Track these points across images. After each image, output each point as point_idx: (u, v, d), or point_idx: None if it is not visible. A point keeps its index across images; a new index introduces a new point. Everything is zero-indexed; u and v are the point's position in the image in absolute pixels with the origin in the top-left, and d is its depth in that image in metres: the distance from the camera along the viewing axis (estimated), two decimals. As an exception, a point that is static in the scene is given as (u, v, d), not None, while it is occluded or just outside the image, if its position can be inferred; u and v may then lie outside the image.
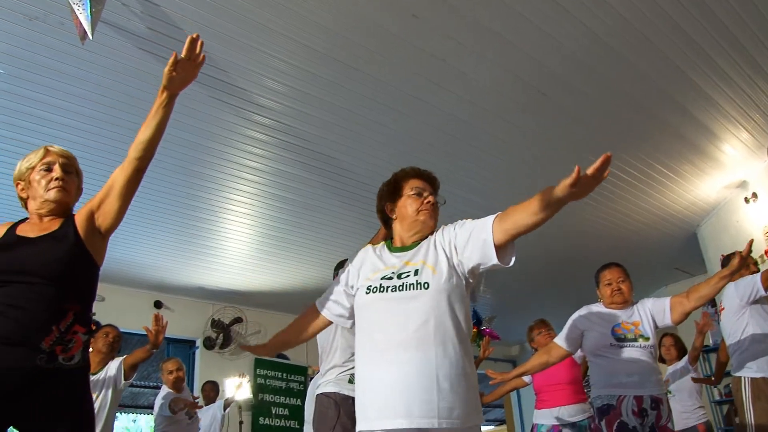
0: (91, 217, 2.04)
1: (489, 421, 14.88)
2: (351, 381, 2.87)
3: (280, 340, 2.44)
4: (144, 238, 5.78)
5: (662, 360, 5.21)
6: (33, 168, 2.10)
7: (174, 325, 7.29)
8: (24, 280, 1.86)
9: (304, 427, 5.78)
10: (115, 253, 5.95)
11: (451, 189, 4.99)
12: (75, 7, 2.68)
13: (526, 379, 4.47)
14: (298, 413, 7.64)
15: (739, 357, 3.74)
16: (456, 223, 2.09)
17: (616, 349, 3.17)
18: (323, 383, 3.02)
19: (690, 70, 3.96)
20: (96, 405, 3.74)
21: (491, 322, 6.13)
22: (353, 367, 2.80)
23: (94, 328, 3.89)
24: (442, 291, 1.96)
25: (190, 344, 7.63)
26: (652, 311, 3.25)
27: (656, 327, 3.24)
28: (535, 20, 3.41)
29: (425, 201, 2.15)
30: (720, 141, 4.84)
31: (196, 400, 5.33)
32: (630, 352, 3.15)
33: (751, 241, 3.16)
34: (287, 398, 7.90)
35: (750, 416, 3.57)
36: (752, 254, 3.56)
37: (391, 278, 2.04)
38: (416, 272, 2.01)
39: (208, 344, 7.52)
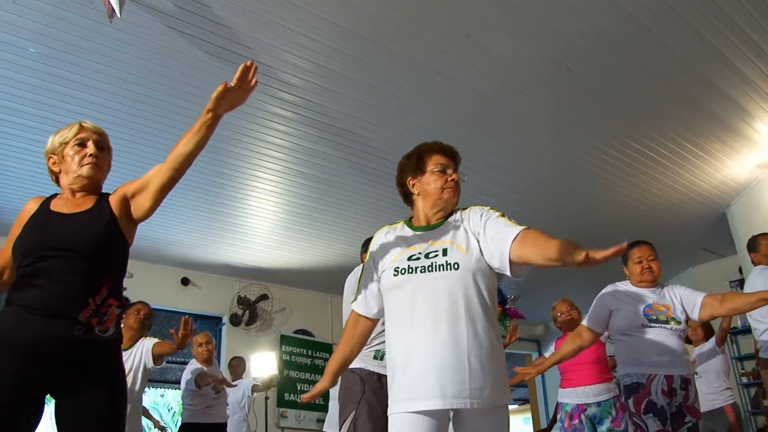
0: (125, 202, 2.09)
1: (513, 401, 14.91)
2: (376, 357, 2.89)
3: (338, 364, 2.30)
4: (172, 216, 5.85)
5: (688, 341, 5.16)
6: (67, 143, 2.12)
7: (200, 302, 7.46)
8: (61, 255, 1.92)
9: (329, 404, 5.89)
10: (143, 231, 5.95)
11: (473, 165, 4.97)
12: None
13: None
14: (323, 390, 7.70)
15: (768, 338, 3.68)
16: (482, 211, 2.08)
17: (648, 330, 3.12)
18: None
19: (721, 45, 3.86)
20: (127, 381, 3.81)
21: (516, 302, 6.11)
22: (378, 344, 2.83)
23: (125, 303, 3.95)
24: (472, 271, 1.97)
25: (217, 321, 7.73)
26: (683, 301, 3.19)
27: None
28: (563, -6, 3.35)
29: (449, 179, 2.14)
30: (752, 119, 4.73)
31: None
32: (661, 333, 3.10)
33: None
34: (312, 374, 7.99)
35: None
36: None
37: (418, 258, 2.03)
38: (445, 252, 2.01)
39: (235, 321, 7.62)
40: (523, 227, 1.94)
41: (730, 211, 6.27)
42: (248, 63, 1.91)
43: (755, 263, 4.20)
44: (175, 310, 7.38)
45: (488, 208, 2.11)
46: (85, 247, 1.94)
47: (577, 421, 4.24)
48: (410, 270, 2.01)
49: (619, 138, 4.85)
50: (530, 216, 5.79)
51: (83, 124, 2.16)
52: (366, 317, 2.22)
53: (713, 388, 4.94)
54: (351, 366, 2.99)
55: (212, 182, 5.24)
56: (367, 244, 3.26)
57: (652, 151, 5.09)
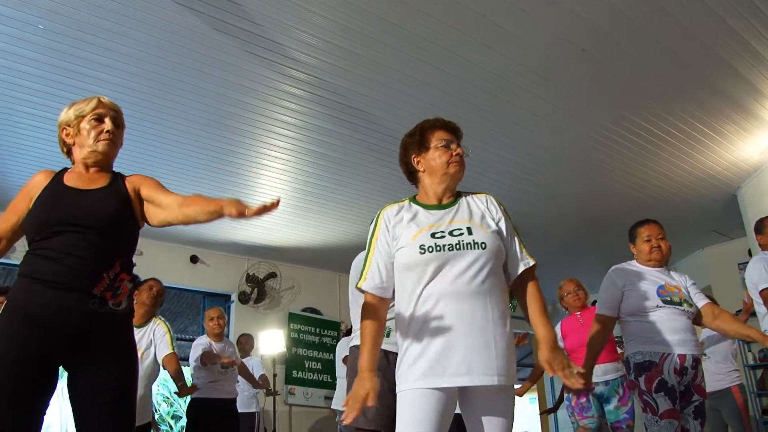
0: (137, 194, 2.14)
1: (520, 380, 14.99)
2: (385, 335, 2.90)
3: (373, 351, 2.06)
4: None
5: (696, 322, 5.16)
6: (83, 116, 2.13)
7: (209, 279, 7.50)
8: (77, 230, 1.95)
9: (337, 381, 5.95)
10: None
11: (487, 146, 4.94)
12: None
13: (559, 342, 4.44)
14: (330, 367, 7.78)
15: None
16: (499, 208, 2.14)
17: (662, 310, 3.10)
18: (356, 336, 3.06)
19: (735, 23, 3.82)
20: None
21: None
22: (387, 321, 2.83)
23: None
24: (496, 251, 2.00)
25: (226, 298, 7.78)
26: (690, 295, 3.20)
27: None
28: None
29: (455, 153, 2.14)
30: (765, 99, 4.68)
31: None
32: (674, 312, 3.09)
33: None
34: (320, 352, 8.06)
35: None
36: None
37: (443, 236, 2.00)
38: (470, 231, 2.01)
39: (243, 299, 7.67)
40: (532, 263, 2.09)
41: (741, 193, 6.24)
42: (269, 205, 1.77)
43: (762, 246, 4.18)
44: (185, 288, 7.45)
45: (503, 207, 2.15)
46: (100, 223, 1.98)
47: (584, 399, 4.27)
48: (437, 248, 1.97)
49: (630, 118, 4.83)
50: (541, 195, 5.81)
51: (102, 100, 2.18)
52: (387, 298, 2.12)
53: (720, 369, 4.96)
54: (359, 342, 3.01)
55: (222, 160, 5.25)
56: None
57: (663, 131, 5.05)
